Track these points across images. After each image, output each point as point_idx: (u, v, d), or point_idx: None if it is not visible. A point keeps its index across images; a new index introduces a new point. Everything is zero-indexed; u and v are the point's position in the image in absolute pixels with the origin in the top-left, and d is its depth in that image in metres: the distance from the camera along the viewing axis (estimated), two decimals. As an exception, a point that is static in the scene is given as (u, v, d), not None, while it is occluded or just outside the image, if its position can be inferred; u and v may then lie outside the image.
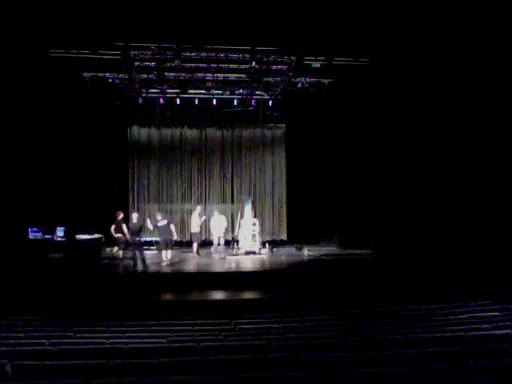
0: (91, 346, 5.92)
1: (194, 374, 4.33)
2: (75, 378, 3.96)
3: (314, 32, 13.93)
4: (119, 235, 14.40)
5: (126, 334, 6.94)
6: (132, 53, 14.77)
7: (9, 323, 7.84)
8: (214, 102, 17.53)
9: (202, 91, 17.38)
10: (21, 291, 10.89)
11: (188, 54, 14.94)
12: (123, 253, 14.84)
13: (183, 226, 19.57)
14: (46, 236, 14.93)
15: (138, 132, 19.44)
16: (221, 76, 16.50)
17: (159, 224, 14.75)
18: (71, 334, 6.85)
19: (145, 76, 16.43)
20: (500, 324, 6.96)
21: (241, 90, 17.59)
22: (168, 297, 11.23)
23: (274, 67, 15.93)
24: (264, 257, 16.32)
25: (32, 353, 5.52)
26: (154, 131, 19.49)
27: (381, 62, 15.46)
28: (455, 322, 7.32)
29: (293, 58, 15.25)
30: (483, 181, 14.33)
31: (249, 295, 11.28)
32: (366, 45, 14.65)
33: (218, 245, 16.46)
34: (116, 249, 15.04)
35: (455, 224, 14.77)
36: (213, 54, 15.04)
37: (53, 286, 11.30)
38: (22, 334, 6.77)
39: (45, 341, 6.20)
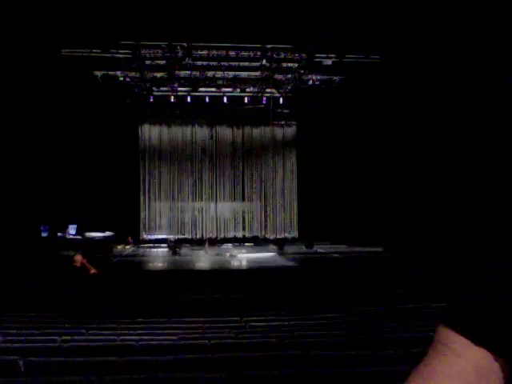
0: (102, 343, 5.95)
1: (206, 372, 4.33)
2: (87, 375, 3.98)
3: (324, 29, 13.87)
4: None
5: (137, 331, 6.96)
6: (143, 51, 14.82)
7: (21, 320, 7.91)
8: (225, 99, 17.55)
9: (213, 89, 17.40)
10: (32, 288, 10.96)
11: (199, 52, 14.96)
12: None
13: (194, 223, 19.63)
14: (58, 234, 15.06)
15: (149, 130, 19.51)
16: (231, 74, 16.50)
17: None
18: (83, 330, 6.88)
19: (156, 74, 16.48)
20: None
21: (251, 88, 17.59)
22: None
23: (285, 65, 15.90)
24: (273, 254, 16.30)
25: (44, 349, 5.55)
26: (164, 129, 19.54)
27: (393, 59, 15.36)
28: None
29: (304, 55, 15.21)
30: (495, 180, 14.20)
31: (259, 293, 11.26)
32: (377, 41, 14.56)
33: None
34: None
35: (467, 223, 14.66)
36: (223, 52, 15.04)
37: (64, 284, 11.38)
38: (34, 331, 6.82)
39: (57, 337, 6.24)
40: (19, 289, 10.74)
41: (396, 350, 5.17)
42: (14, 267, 12.34)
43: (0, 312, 8.25)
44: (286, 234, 19.85)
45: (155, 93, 17.68)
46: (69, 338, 6.25)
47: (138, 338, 6.36)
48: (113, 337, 6.42)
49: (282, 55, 15.30)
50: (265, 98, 18.00)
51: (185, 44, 14.57)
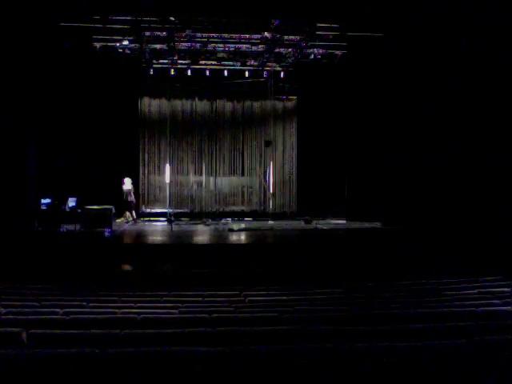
0: (103, 316, 6.00)
1: (206, 345, 4.37)
2: (90, 347, 4.02)
3: (327, 1, 13.67)
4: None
5: (138, 305, 7.02)
6: (142, 23, 14.61)
7: (22, 292, 7.96)
8: (225, 73, 17.38)
9: (213, 62, 17.21)
10: (33, 260, 11.01)
11: (199, 23, 14.75)
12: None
13: (194, 197, 19.59)
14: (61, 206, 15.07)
15: (149, 103, 19.32)
16: (232, 46, 16.30)
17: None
18: (84, 303, 6.94)
19: (155, 46, 16.26)
20: (510, 300, 6.95)
21: (252, 62, 17.40)
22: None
23: (287, 37, 15.70)
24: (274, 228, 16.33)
25: (46, 321, 5.59)
26: (164, 102, 19.34)
27: (396, 34, 15.17)
28: (465, 298, 7.32)
29: (306, 28, 15.01)
30: (495, 156, 14.20)
31: (258, 267, 11.33)
32: (380, 16, 14.35)
33: None
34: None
35: (467, 198, 14.69)
36: (224, 24, 14.82)
37: (63, 256, 11.43)
38: (35, 303, 6.87)
39: (58, 310, 6.29)
40: (19, 261, 10.79)
41: (394, 325, 5.22)
42: (13, 239, 12.39)
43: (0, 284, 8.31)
44: (286, 209, 19.86)
45: (155, 65, 17.48)
46: (70, 310, 6.30)
47: (139, 311, 6.41)
48: (114, 310, 6.47)
49: (284, 27, 15.09)
50: (266, 72, 17.82)
51: (185, 15, 14.34)
